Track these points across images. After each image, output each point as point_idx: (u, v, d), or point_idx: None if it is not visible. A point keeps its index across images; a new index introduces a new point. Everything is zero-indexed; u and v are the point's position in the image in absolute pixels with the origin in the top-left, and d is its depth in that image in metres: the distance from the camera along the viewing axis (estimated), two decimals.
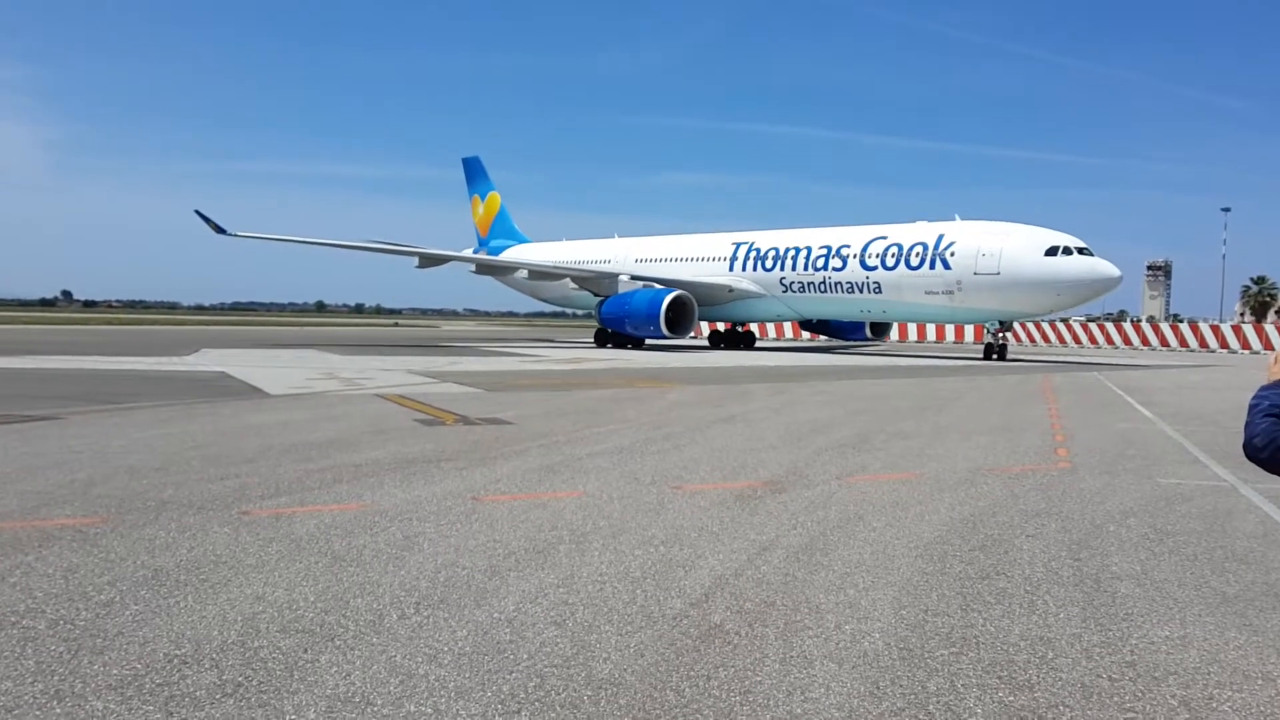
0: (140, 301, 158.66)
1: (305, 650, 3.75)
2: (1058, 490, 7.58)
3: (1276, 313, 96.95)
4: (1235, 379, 23.77)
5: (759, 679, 3.58)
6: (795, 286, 36.26)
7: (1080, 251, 29.76)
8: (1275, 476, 2.73)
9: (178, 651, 3.70)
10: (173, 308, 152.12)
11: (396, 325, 77.64)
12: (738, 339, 41.75)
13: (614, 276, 37.95)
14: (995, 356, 30.89)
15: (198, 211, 34.63)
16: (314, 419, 11.31)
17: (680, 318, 34.56)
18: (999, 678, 3.64)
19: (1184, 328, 49.68)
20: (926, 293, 32.09)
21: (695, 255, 40.14)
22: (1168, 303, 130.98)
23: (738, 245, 38.58)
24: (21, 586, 4.44)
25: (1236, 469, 8.46)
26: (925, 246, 32.16)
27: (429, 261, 41.01)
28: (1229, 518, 6.61)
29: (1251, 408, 2.75)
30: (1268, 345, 43.01)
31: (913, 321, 44.71)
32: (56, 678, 3.42)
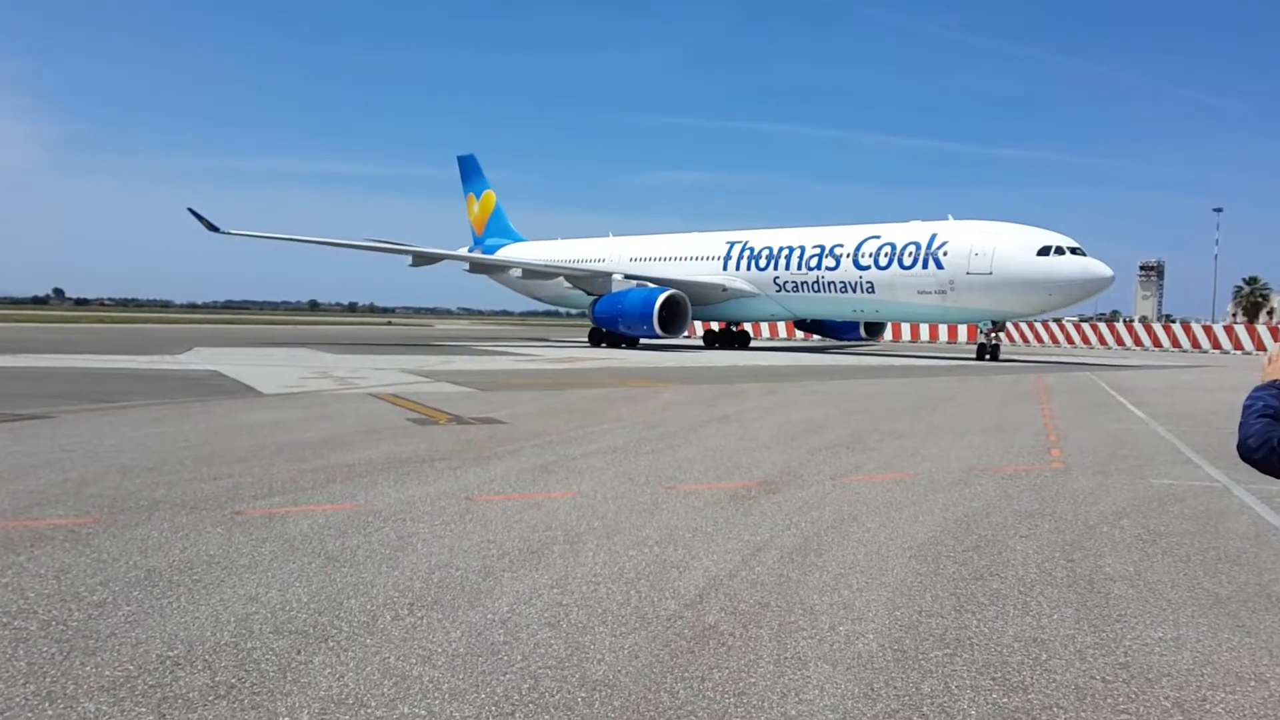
0: (133, 300, 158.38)
1: (299, 651, 3.74)
2: (1051, 491, 7.60)
3: (1268, 313, 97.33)
4: (1227, 379, 23.84)
5: (753, 680, 3.58)
6: (789, 286, 36.28)
7: (1073, 251, 29.83)
8: (1268, 477, 2.74)
9: (170, 653, 3.68)
10: (165, 306, 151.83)
11: (390, 324, 77.54)
12: (732, 339, 41.76)
13: (607, 275, 37.93)
14: (988, 356, 30.94)
15: (191, 209, 34.53)
16: (307, 418, 11.29)
17: (674, 317, 34.56)
18: (993, 679, 3.64)
19: (1176, 328, 49.82)
20: (919, 292, 32.13)
21: (689, 254, 40.14)
22: (1160, 303, 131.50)
23: (731, 244, 38.59)
24: (13, 587, 4.42)
25: (1229, 470, 8.49)
26: (918, 246, 32.20)
27: (422, 260, 40.97)
28: (1222, 519, 6.63)
29: (1245, 408, 2.76)
30: (1259, 346, 43.15)
31: (906, 321, 44.77)
32: (48, 679, 3.41)
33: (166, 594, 4.40)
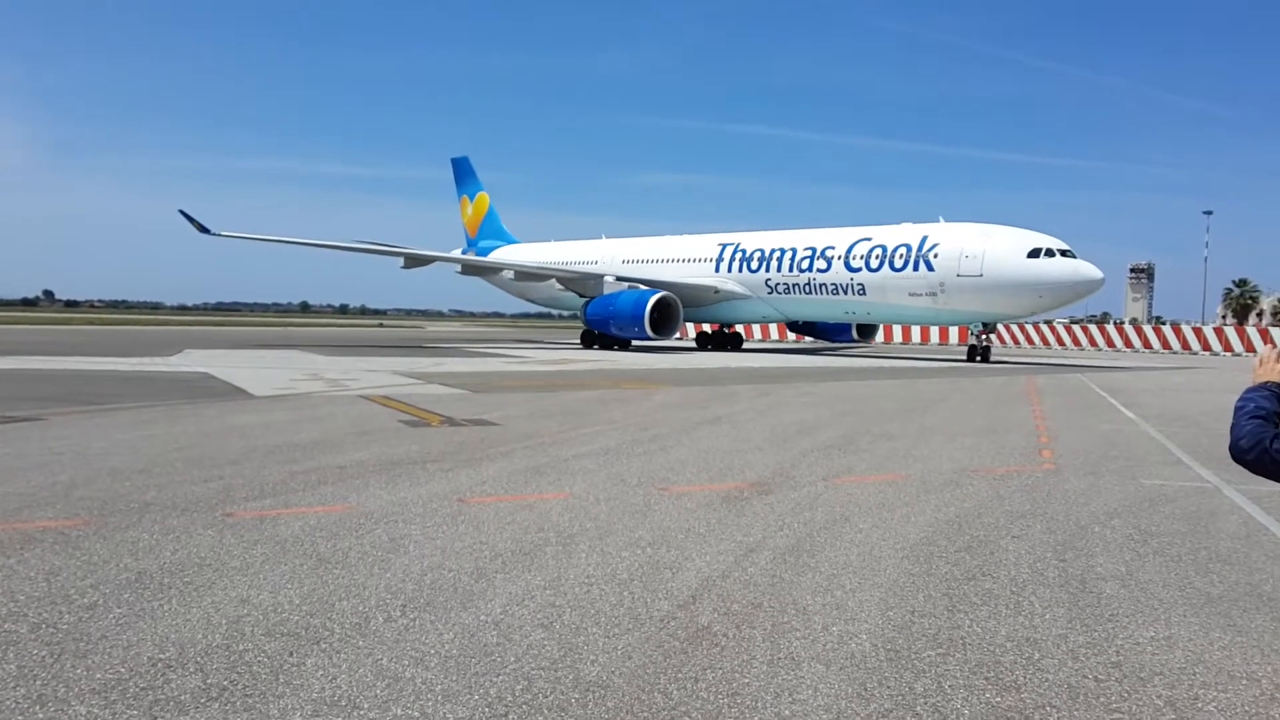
0: (123, 301, 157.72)
1: (291, 654, 3.73)
2: (1042, 491, 7.62)
3: (1258, 315, 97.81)
4: (1217, 380, 23.95)
5: (746, 681, 3.58)
6: (780, 288, 36.31)
7: (1063, 253, 29.90)
8: (1259, 478, 2.75)
9: (162, 655, 3.67)
10: (156, 308, 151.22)
11: (381, 326, 77.43)
12: (725, 340, 41.77)
13: (599, 277, 37.93)
14: (979, 358, 31.02)
15: (182, 211, 34.46)
16: (298, 420, 11.26)
17: (665, 319, 34.56)
18: (986, 679, 3.65)
19: (1166, 330, 49.94)
20: (910, 294, 32.18)
21: (681, 256, 40.16)
22: (1150, 305, 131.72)
23: (723, 246, 38.61)
24: (3, 590, 4.40)
25: (1219, 470, 8.52)
26: (909, 248, 32.25)
27: (414, 262, 40.90)
28: (1212, 519, 6.66)
29: (1237, 410, 2.77)
30: (1249, 347, 43.34)
31: (897, 323, 44.79)
32: (39, 682, 3.39)
33: (158, 596, 4.38)
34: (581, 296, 38.28)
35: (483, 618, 4.21)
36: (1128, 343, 48.50)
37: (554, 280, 40.01)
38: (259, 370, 20.19)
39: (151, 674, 3.49)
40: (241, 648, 3.77)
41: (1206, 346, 45.56)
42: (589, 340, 37.46)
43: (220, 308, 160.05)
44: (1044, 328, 51.60)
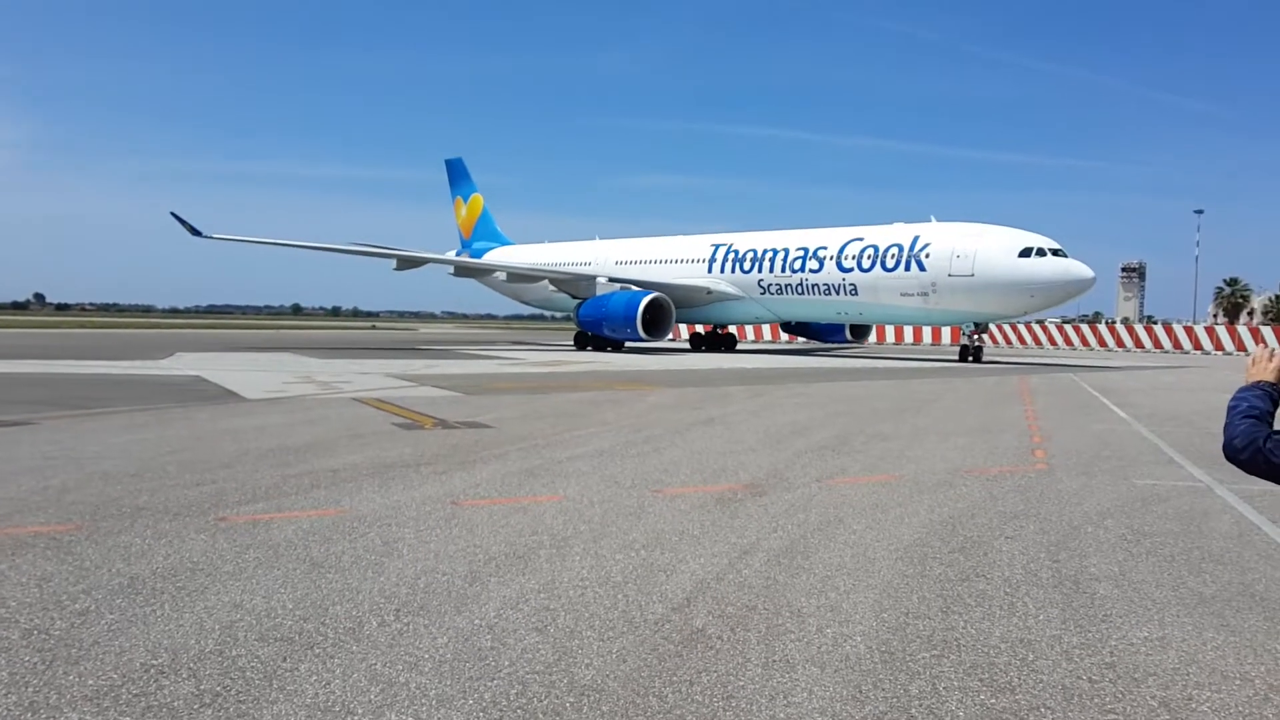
0: (114, 304, 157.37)
1: (284, 659, 3.71)
2: (1036, 492, 7.63)
3: (1249, 314, 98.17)
4: (1208, 380, 24.03)
5: (741, 684, 3.58)
6: (773, 288, 36.33)
7: (1054, 253, 29.95)
8: (1252, 477, 2.76)
9: (155, 661, 3.65)
10: (147, 311, 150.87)
11: (374, 328, 77.23)
12: (719, 341, 41.77)
13: (592, 279, 37.89)
14: (971, 358, 31.05)
15: (173, 213, 34.35)
16: (291, 423, 11.23)
17: (658, 320, 34.55)
18: (980, 680, 3.65)
19: (1158, 329, 50.14)
20: (902, 294, 32.21)
21: (674, 257, 40.16)
22: (1142, 304, 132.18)
23: (716, 247, 38.63)
24: None
25: (1212, 469, 8.54)
26: (901, 248, 32.29)
27: (407, 264, 40.84)
28: (1205, 518, 6.67)
29: (1230, 409, 2.78)
30: (1240, 346, 43.51)
31: (889, 323, 44.87)
32: (31, 689, 3.37)
33: (150, 601, 4.36)
34: (574, 298, 38.27)
35: (477, 621, 4.20)
36: (1119, 342, 48.64)
37: (547, 282, 39.99)
38: (251, 373, 20.14)
39: (144, 680, 3.47)
40: (235, 653, 3.75)
41: (1198, 346, 45.72)
42: (582, 342, 37.43)
43: (212, 310, 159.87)
44: (1036, 327, 51.74)
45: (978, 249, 30.47)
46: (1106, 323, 62.20)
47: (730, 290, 37.51)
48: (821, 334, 40.75)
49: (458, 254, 49.56)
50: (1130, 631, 4.22)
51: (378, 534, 5.73)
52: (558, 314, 49.87)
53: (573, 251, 44.79)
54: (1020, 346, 50.58)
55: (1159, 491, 7.74)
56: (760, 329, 50.45)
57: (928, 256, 31.44)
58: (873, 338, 45.22)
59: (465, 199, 52.71)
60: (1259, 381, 2.83)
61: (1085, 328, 53.93)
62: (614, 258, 41.98)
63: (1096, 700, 3.48)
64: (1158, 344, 47.17)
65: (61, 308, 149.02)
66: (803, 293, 35.39)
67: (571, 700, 3.40)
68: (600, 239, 45.21)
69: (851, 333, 40.02)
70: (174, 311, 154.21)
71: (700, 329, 42.49)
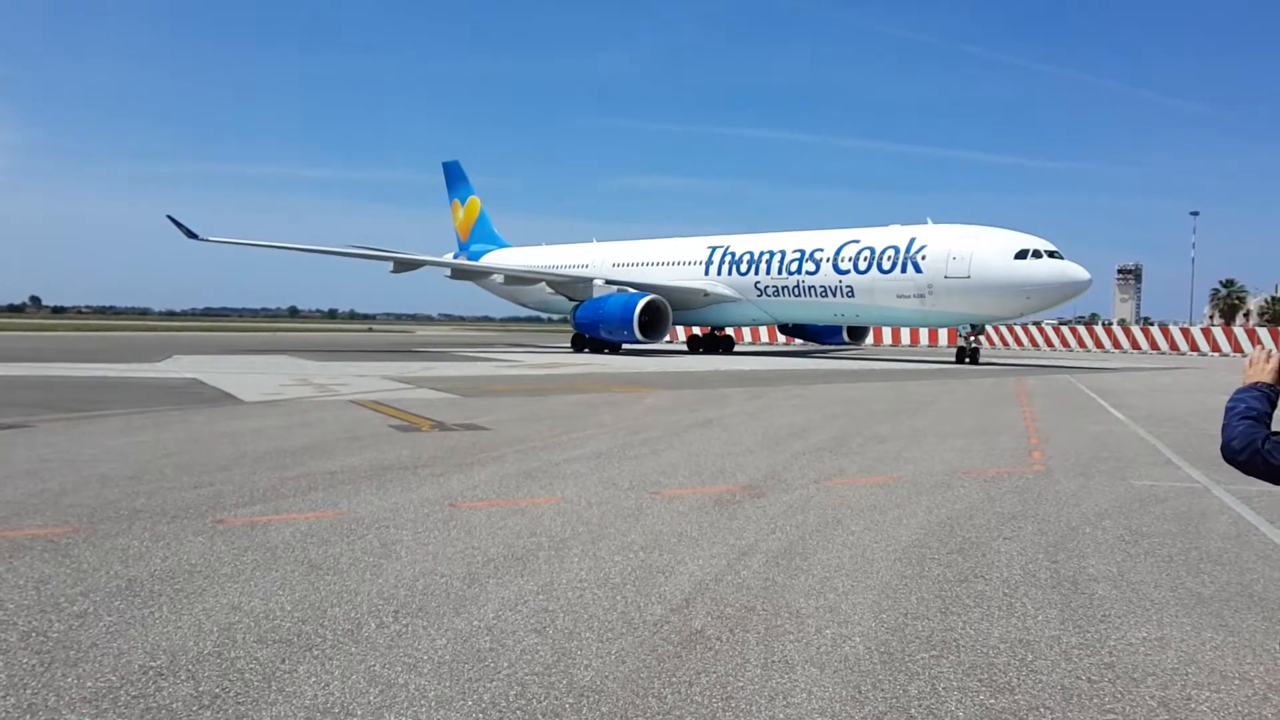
0: (110, 307, 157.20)
1: (283, 660, 3.71)
2: (1033, 493, 7.64)
3: (1245, 315, 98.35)
4: (1205, 381, 24.06)
5: (740, 685, 3.58)
6: (769, 290, 36.36)
7: (1050, 255, 29.99)
8: (1249, 478, 2.76)
9: (153, 663, 3.65)
10: (144, 313, 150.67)
11: (371, 330, 77.19)
12: (716, 343, 41.77)
13: (589, 281, 37.91)
14: (968, 360, 31.10)
15: (170, 216, 34.41)
16: (288, 426, 11.22)
17: (654, 322, 34.58)
18: (979, 680, 3.65)
19: (1154, 331, 50.20)
20: (898, 296, 32.25)
21: (671, 260, 40.19)
22: (1138, 306, 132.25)
23: (713, 249, 38.65)
24: None
25: (1209, 470, 8.56)
26: (897, 250, 32.33)
27: (404, 266, 40.84)
28: (1203, 519, 6.68)
29: (1228, 411, 2.79)
30: (1236, 348, 43.60)
31: (885, 325, 44.93)
32: (29, 691, 3.37)
33: (148, 604, 4.35)
34: (571, 300, 38.29)
35: (475, 623, 4.20)
36: (1116, 344, 48.71)
37: (544, 284, 40.03)
38: (248, 376, 20.12)
39: (143, 682, 3.47)
40: (233, 655, 3.75)
41: (1194, 347, 45.80)
42: (579, 344, 37.45)
43: (209, 313, 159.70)
44: (1032, 329, 51.80)
45: (974, 251, 30.50)
46: (1103, 324, 62.26)
47: (727, 292, 37.53)
48: (818, 336, 40.79)
49: (455, 256, 49.56)
50: (1129, 632, 4.23)
51: (376, 536, 5.73)
52: (555, 316, 49.91)
53: (570, 254, 44.82)
54: (1017, 348, 50.63)
55: (1157, 492, 7.75)
56: (757, 331, 50.46)
57: (924, 258, 31.47)
58: (870, 339, 45.25)
59: (463, 201, 52.75)
60: (1256, 383, 2.83)
61: (1082, 329, 53.98)
62: (611, 260, 42.01)
63: (1095, 700, 3.48)
64: (1154, 345, 47.25)
65: (58, 310, 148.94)
66: (799, 295, 35.42)
67: (571, 701, 3.40)
68: (597, 241, 45.29)
69: (848, 334, 40.07)
70: (171, 314, 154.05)
71: (698, 331, 42.51)
